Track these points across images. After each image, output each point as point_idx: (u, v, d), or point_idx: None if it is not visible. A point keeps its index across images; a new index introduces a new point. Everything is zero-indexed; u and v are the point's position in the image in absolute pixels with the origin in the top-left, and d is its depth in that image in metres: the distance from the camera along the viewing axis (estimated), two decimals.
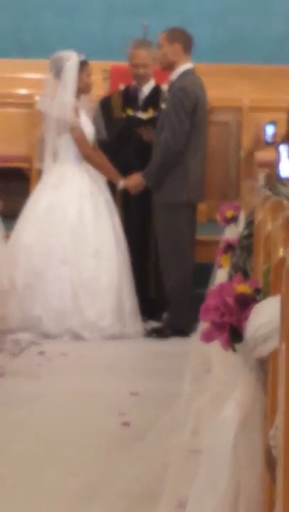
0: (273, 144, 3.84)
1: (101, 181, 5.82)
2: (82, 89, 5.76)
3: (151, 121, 5.85)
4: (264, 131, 3.85)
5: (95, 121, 5.92)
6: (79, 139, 5.72)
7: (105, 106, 6.07)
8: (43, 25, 7.96)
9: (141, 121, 5.89)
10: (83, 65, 5.74)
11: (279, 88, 7.24)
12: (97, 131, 5.90)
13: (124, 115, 5.97)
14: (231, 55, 7.70)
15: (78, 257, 5.58)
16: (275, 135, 3.82)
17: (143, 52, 5.91)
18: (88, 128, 5.79)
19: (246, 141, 5.04)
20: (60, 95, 5.70)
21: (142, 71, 5.91)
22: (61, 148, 5.77)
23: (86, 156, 5.74)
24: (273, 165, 3.44)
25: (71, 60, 5.70)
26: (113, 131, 5.98)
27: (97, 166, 5.78)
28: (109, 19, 7.96)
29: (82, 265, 5.57)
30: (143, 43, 6.10)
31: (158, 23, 6.37)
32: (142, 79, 5.96)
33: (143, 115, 5.94)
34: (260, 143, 3.92)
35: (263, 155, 4.45)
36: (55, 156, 5.80)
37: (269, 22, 7.90)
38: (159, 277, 5.78)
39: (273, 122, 3.88)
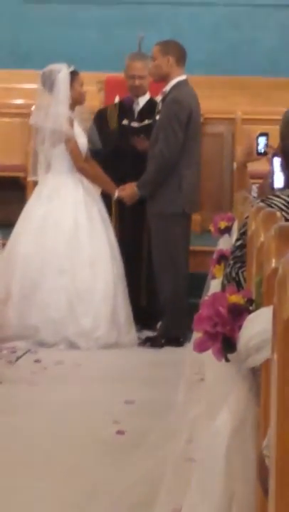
0: (265, 155, 3.86)
1: (94, 191, 5.85)
2: (77, 99, 5.79)
3: (144, 130, 5.88)
4: (256, 142, 3.88)
5: (90, 133, 5.95)
6: (73, 151, 5.75)
7: (101, 118, 6.10)
8: (39, 36, 8.00)
9: (134, 130, 5.92)
10: (74, 75, 5.77)
11: (273, 100, 7.28)
12: (92, 142, 5.93)
13: (118, 126, 6.00)
14: (225, 68, 7.75)
15: (74, 267, 5.61)
16: (267, 146, 3.84)
17: (139, 64, 5.94)
18: (81, 139, 5.83)
19: (239, 153, 5.05)
20: (54, 107, 5.73)
21: (137, 82, 5.94)
22: (55, 158, 5.80)
23: (79, 167, 5.77)
24: (266, 177, 3.46)
25: (62, 71, 5.73)
26: (108, 143, 6.01)
27: (91, 177, 5.81)
28: (104, 31, 8.01)
29: (78, 275, 5.59)
30: (139, 55, 6.14)
31: (153, 35, 6.41)
32: (138, 90, 5.98)
33: (136, 124, 5.97)
34: (252, 154, 3.95)
35: (255, 166, 4.47)
36: (48, 167, 5.82)
37: (263, 35, 7.95)
38: (150, 286, 5.81)
39: (266, 133, 3.90)
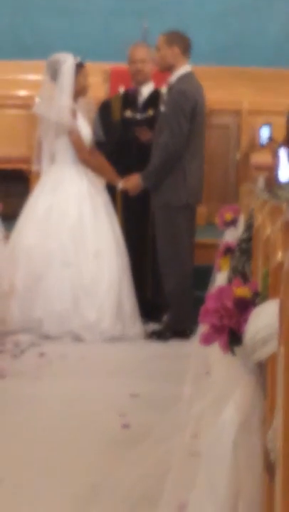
0: (268, 146, 3.84)
1: (99, 183, 5.83)
2: (79, 91, 5.77)
3: (147, 121, 5.87)
4: (259, 133, 3.86)
5: (94, 124, 5.93)
6: (76, 142, 5.73)
7: (105, 109, 6.08)
8: (42, 27, 7.98)
9: (136, 122, 5.90)
10: (80, 67, 5.75)
11: (278, 91, 7.26)
12: (96, 134, 5.91)
13: (120, 118, 5.98)
14: (231, 58, 7.72)
15: (79, 259, 5.59)
16: (270, 137, 3.82)
17: (141, 49, 5.96)
18: (85, 130, 5.81)
19: (245, 144, 5.05)
20: (57, 98, 5.71)
21: (139, 66, 5.92)
22: (59, 150, 5.79)
23: (83, 159, 5.76)
24: (270, 168, 3.45)
25: (67, 62, 5.71)
26: (112, 135, 6.00)
27: (95, 169, 5.79)
28: (109, 21, 7.98)
29: (83, 267, 5.58)
30: (140, 42, 6.16)
31: (157, 25, 6.39)
32: (140, 75, 5.95)
33: (138, 116, 5.95)
34: (255, 145, 3.93)
35: (258, 158, 4.46)
36: (52, 159, 5.81)
37: (268, 25, 7.92)
38: (156, 279, 5.80)
39: (269, 124, 3.88)
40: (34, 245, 5.61)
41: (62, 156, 5.78)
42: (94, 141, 5.88)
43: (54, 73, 5.72)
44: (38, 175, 6.12)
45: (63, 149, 5.77)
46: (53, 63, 5.75)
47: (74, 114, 5.74)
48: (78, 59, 5.77)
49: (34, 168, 5.99)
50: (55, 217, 5.67)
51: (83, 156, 5.75)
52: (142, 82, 6.00)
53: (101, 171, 5.81)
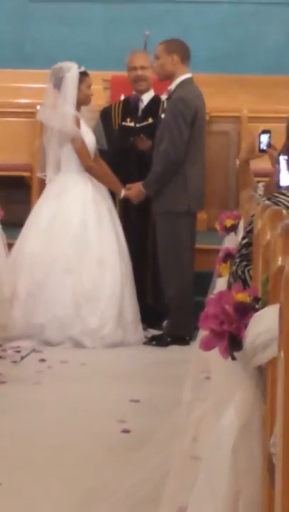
0: (267, 152, 3.86)
1: (104, 190, 5.85)
2: (82, 100, 5.79)
3: (145, 130, 5.88)
4: (259, 139, 3.87)
5: (95, 132, 5.96)
6: (80, 150, 5.75)
7: (106, 116, 6.10)
8: (44, 36, 8.01)
9: (135, 131, 5.91)
10: (83, 76, 5.77)
11: (278, 98, 7.28)
12: (98, 142, 5.94)
13: (118, 127, 6.00)
14: (231, 66, 7.74)
15: (81, 266, 5.61)
16: (269, 143, 3.84)
17: (140, 55, 5.98)
18: (89, 138, 5.83)
19: (242, 150, 5.06)
20: (60, 106, 5.73)
21: (139, 72, 5.93)
22: (63, 158, 5.81)
23: (87, 167, 5.78)
24: (272, 175, 3.46)
25: (71, 71, 5.73)
26: (113, 142, 6.02)
27: (99, 177, 5.81)
28: (109, 30, 8.01)
29: (86, 274, 5.59)
30: (140, 50, 6.18)
31: (158, 33, 6.41)
32: (141, 82, 5.96)
33: (137, 124, 5.97)
34: (255, 151, 3.94)
35: (258, 164, 4.47)
36: (57, 167, 5.83)
37: (268, 32, 7.95)
38: (157, 285, 5.81)
39: (268, 131, 3.90)
40: (37, 252, 5.63)
41: (67, 164, 5.81)
42: (97, 149, 5.90)
43: (58, 81, 5.75)
44: (40, 182, 6.14)
45: (68, 157, 5.79)
46: (56, 71, 5.78)
47: (77, 122, 5.76)
48: (82, 68, 5.79)
49: (39, 175, 6.01)
50: (58, 225, 5.68)
51: (87, 164, 5.77)
52: (143, 90, 6.01)
53: (104, 179, 5.83)
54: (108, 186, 5.86)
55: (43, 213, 5.75)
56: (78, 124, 5.77)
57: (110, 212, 5.77)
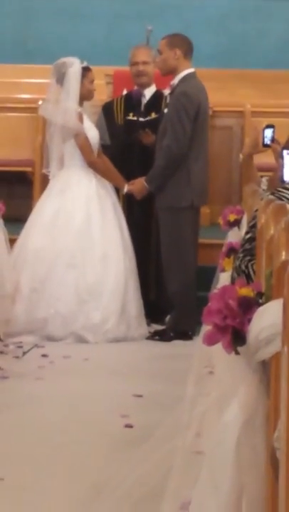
0: (270, 146, 3.84)
1: (108, 185, 5.85)
2: (85, 95, 5.79)
3: (150, 124, 5.87)
4: (263, 134, 3.87)
5: (98, 127, 5.95)
6: (83, 146, 5.74)
7: (108, 111, 6.09)
8: (46, 31, 7.99)
9: (140, 125, 5.90)
10: (86, 71, 5.76)
11: (281, 93, 7.27)
12: (101, 137, 5.93)
13: (123, 121, 5.99)
14: (234, 60, 7.73)
15: (84, 261, 5.60)
16: (273, 138, 3.83)
17: (142, 50, 5.97)
18: (92, 133, 5.82)
19: (246, 144, 5.06)
20: (63, 101, 5.72)
21: (141, 68, 5.92)
22: (66, 154, 5.80)
23: (90, 162, 5.77)
24: (276, 170, 3.45)
25: (74, 66, 5.72)
26: (115, 137, 6.01)
27: (102, 172, 5.80)
28: (112, 25, 8.00)
29: (89, 269, 5.59)
30: (142, 44, 6.17)
31: (161, 28, 6.40)
32: (143, 78, 5.95)
33: (141, 118, 5.96)
34: (258, 146, 3.93)
35: (262, 159, 4.46)
36: (61, 163, 5.82)
37: (271, 27, 7.93)
38: (159, 280, 5.81)
39: (272, 125, 3.89)
40: (41, 247, 5.63)
41: (70, 159, 5.80)
42: (100, 145, 5.89)
43: (60, 77, 5.74)
44: (42, 177, 6.13)
45: (71, 153, 5.79)
46: (59, 67, 5.77)
47: (80, 118, 5.75)
48: (85, 63, 5.79)
49: (43, 171, 6.00)
50: (62, 220, 5.68)
51: (91, 159, 5.76)
52: (145, 85, 6.00)
53: (107, 174, 5.82)
54: (111, 182, 5.85)
55: (46, 209, 5.74)
56: (81, 120, 5.76)
57: (114, 207, 5.77)
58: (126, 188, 5.79)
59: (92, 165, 5.78)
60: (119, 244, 5.66)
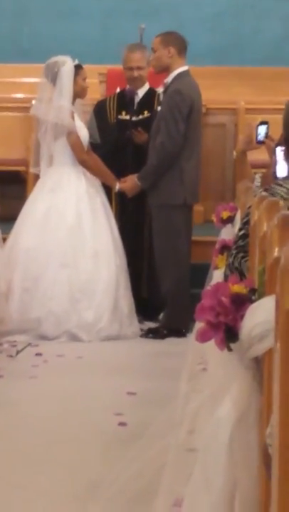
0: (264, 143, 3.85)
1: (97, 183, 5.85)
2: (79, 93, 5.78)
3: (142, 123, 5.87)
4: (256, 130, 3.87)
5: (89, 126, 5.94)
6: (75, 144, 5.74)
7: (101, 109, 6.08)
8: (40, 30, 7.99)
9: (132, 124, 5.90)
10: (78, 69, 5.76)
11: (275, 90, 7.28)
12: (92, 136, 5.92)
13: (115, 120, 5.98)
14: (228, 58, 7.73)
15: (76, 260, 5.60)
16: (267, 135, 3.83)
17: (137, 55, 5.92)
18: (83, 132, 5.82)
19: (239, 141, 5.07)
20: (56, 100, 5.72)
21: (136, 74, 5.92)
22: (57, 152, 5.79)
23: (81, 160, 5.77)
24: (269, 166, 3.46)
25: (66, 64, 5.72)
26: (107, 136, 6.00)
27: (93, 170, 5.80)
28: (106, 23, 7.99)
29: (81, 267, 5.59)
30: (137, 45, 6.12)
31: (155, 26, 6.39)
32: (137, 82, 5.96)
33: (133, 117, 5.95)
34: (252, 143, 3.93)
35: (255, 156, 4.46)
36: (50, 160, 5.81)
37: (265, 24, 7.93)
38: (152, 278, 5.81)
39: (266, 122, 3.89)
40: (32, 246, 5.62)
41: (61, 157, 5.79)
42: (90, 143, 5.88)
43: (53, 76, 5.73)
44: (35, 177, 6.12)
45: (61, 151, 5.78)
46: (51, 66, 5.76)
47: (72, 116, 5.75)
48: (76, 61, 5.78)
49: (32, 170, 6.00)
50: (53, 219, 5.67)
51: (82, 157, 5.76)
52: (138, 86, 6.01)
53: (98, 172, 5.82)
54: (102, 180, 5.85)
55: (37, 207, 5.74)
56: (72, 118, 5.76)
57: (104, 206, 5.77)
58: (117, 186, 5.78)
59: (83, 163, 5.78)
60: (109, 242, 5.67)
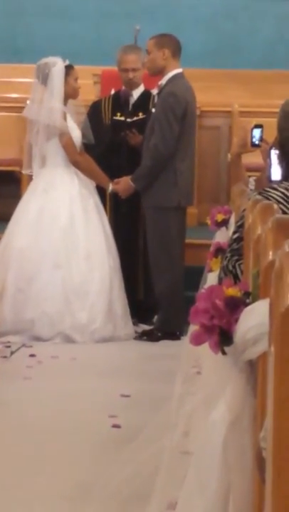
0: (259, 147, 3.85)
1: (90, 184, 5.84)
2: (70, 93, 5.78)
3: (137, 124, 5.87)
4: (251, 134, 3.87)
5: (83, 127, 5.93)
6: (67, 145, 5.73)
7: (96, 110, 6.08)
8: (35, 30, 7.98)
9: (126, 125, 5.90)
10: (69, 69, 5.76)
11: (269, 93, 7.28)
12: (86, 137, 5.91)
13: (110, 121, 5.98)
14: (222, 60, 7.74)
15: (70, 261, 5.60)
16: (262, 138, 3.83)
17: (132, 57, 5.92)
18: (75, 133, 5.81)
19: (234, 144, 5.08)
20: (47, 101, 5.71)
21: (131, 76, 5.92)
22: (49, 152, 5.79)
23: (74, 161, 5.77)
24: (263, 169, 3.46)
25: (57, 65, 5.72)
26: (102, 137, 6.00)
27: (85, 171, 5.80)
28: (100, 24, 7.99)
29: (74, 269, 5.59)
30: (132, 47, 6.11)
31: (149, 28, 6.39)
32: (132, 84, 5.96)
33: (128, 118, 5.95)
34: (247, 146, 3.93)
35: (250, 159, 4.47)
36: (43, 161, 5.81)
37: (260, 27, 7.94)
38: (147, 280, 5.81)
39: (260, 125, 3.89)
40: (25, 247, 5.62)
41: (53, 158, 5.79)
42: (83, 144, 5.88)
43: (44, 77, 5.73)
44: (29, 177, 6.12)
45: (54, 152, 5.78)
46: (42, 67, 5.76)
47: (64, 117, 5.74)
48: (67, 61, 5.78)
49: (24, 172, 6.00)
50: (46, 220, 5.67)
51: (74, 158, 5.76)
52: (133, 88, 6.01)
53: (91, 173, 5.82)
54: (95, 181, 5.85)
55: (30, 208, 5.73)
56: (65, 119, 5.75)
57: (97, 207, 5.77)
58: (110, 187, 5.78)
59: (76, 164, 5.78)
60: (102, 243, 5.67)
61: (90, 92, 6.64)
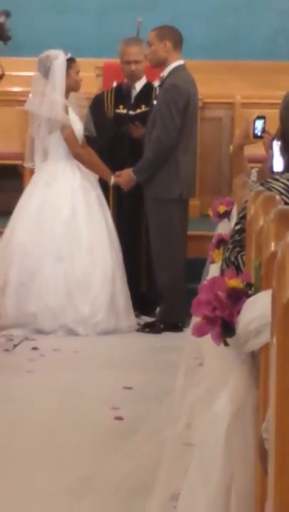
0: (262, 138, 3.84)
1: (92, 177, 5.84)
2: (72, 86, 5.77)
3: (140, 117, 5.86)
4: (253, 125, 3.86)
5: (86, 120, 5.93)
6: (69, 138, 5.73)
7: (98, 103, 6.07)
8: (35, 23, 7.96)
9: (129, 118, 5.89)
10: (71, 62, 5.75)
11: (271, 84, 7.27)
12: (88, 129, 5.91)
13: (112, 114, 5.97)
14: (224, 52, 7.72)
15: (72, 254, 5.60)
16: (264, 129, 3.82)
17: (134, 49, 5.91)
18: (77, 126, 5.81)
19: (236, 135, 5.07)
20: (49, 94, 5.71)
21: (133, 67, 5.91)
22: (51, 146, 5.78)
23: (76, 154, 5.76)
24: (266, 161, 3.45)
25: (59, 58, 5.71)
26: (104, 130, 5.99)
27: (87, 164, 5.80)
28: (102, 16, 7.97)
29: (77, 262, 5.59)
30: (134, 39, 6.10)
31: (151, 20, 6.38)
32: (134, 76, 5.95)
33: (131, 111, 5.94)
34: (249, 137, 3.92)
35: (252, 150, 4.46)
36: (45, 155, 5.81)
37: (262, 19, 7.92)
38: (150, 272, 5.81)
39: (263, 117, 3.88)
40: (28, 241, 5.62)
41: (55, 151, 5.78)
42: (85, 137, 5.87)
43: (46, 70, 5.72)
44: (31, 170, 6.12)
45: (56, 145, 5.77)
46: (44, 60, 5.75)
47: (66, 110, 5.74)
48: (69, 54, 5.76)
49: (26, 165, 5.99)
50: (48, 213, 5.67)
51: (76, 151, 5.75)
52: (135, 81, 6.00)
53: (93, 166, 5.81)
54: (97, 173, 5.85)
55: (32, 202, 5.73)
56: (66, 112, 5.75)
57: (99, 199, 5.76)
58: (112, 180, 5.78)
59: (78, 157, 5.77)
60: (105, 236, 5.66)
61: (92, 84, 6.63)
